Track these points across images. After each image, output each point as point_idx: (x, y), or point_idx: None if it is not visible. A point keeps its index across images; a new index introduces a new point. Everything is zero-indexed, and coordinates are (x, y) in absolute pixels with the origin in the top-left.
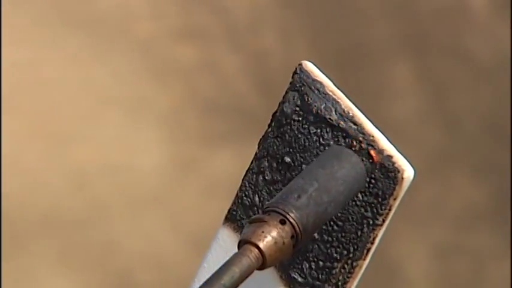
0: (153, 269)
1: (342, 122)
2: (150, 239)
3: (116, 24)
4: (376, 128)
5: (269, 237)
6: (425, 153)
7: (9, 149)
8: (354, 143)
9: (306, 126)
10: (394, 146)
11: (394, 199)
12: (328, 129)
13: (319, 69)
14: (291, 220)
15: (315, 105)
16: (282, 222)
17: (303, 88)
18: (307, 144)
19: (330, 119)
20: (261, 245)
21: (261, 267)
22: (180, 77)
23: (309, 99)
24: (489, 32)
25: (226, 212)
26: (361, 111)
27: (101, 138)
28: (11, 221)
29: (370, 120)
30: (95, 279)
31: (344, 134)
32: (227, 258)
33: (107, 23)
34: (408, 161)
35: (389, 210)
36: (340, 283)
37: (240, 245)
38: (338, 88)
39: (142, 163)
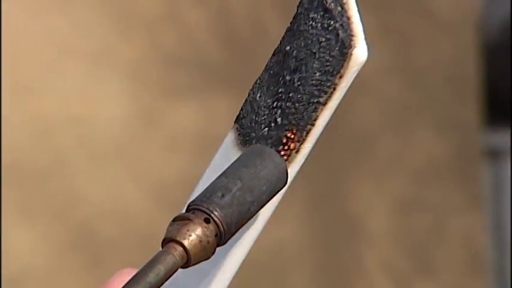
0: (114, 220)
1: (332, 5)
2: (112, 191)
3: None
4: (360, 18)
5: (194, 236)
6: (387, 107)
7: None
8: (331, 22)
9: (306, 12)
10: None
11: (340, 77)
12: (321, 13)
13: None
14: (215, 219)
15: None
16: (207, 221)
17: None
18: (301, 28)
19: (325, 1)
20: (186, 243)
21: (186, 265)
22: (143, 29)
23: None
24: None
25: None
26: (357, 4)
27: (62, 89)
28: None
29: (359, 12)
30: (56, 231)
31: (329, 15)
32: (226, 165)
33: None
34: (368, 47)
35: (334, 89)
36: None
37: (165, 242)
38: None
39: (104, 115)
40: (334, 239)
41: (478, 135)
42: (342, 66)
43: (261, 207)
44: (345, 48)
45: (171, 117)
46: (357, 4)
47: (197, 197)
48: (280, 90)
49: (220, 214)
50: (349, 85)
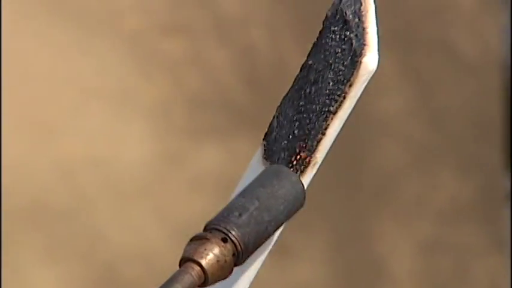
0: (138, 261)
1: (351, 17)
2: (136, 232)
3: (103, 16)
4: (377, 30)
5: (211, 255)
6: (411, 149)
7: None
8: (348, 33)
9: (329, 25)
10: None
11: (350, 85)
12: (341, 25)
13: None
14: (233, 238)
15: (344, 5)
16: (224, 240)
17: None
18: (323, 41)
19: (345, 13)
20: (203, 262)
21: (203, 284)
22: (167, 70)
23: (346, 2)
24: (476, 28)
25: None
26: (377, 18)
27: (87, 130)
28: None
29: (377, 26)
30: (80, 271)
31: (347, 27)
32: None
33: (95, 15)
34: (379, 56)
35: (344, 98)
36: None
37: (182, 262)
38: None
39: (128, 156)
40: (358, 281)
41: (501, 177)
42: (352, 74)
43: (279, 226)
44: (356, 57)
45: (195, 157)
46: (376, 17)
47: (215, 217)
48: (301, 103)
49: (237, 233)
50: (359, 94)
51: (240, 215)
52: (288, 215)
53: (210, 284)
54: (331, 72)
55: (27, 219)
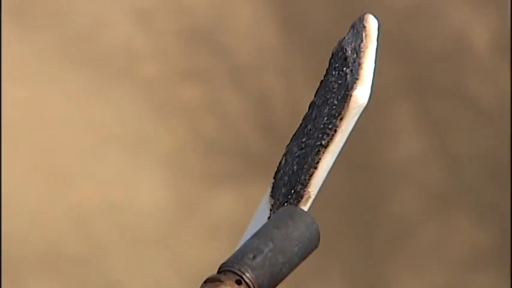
0: None
1: (350, 53)
2: (151, 279)
3: (119, 64)
4: (373, 68)
5: None
6: (427, 195)
7: (10, 186)
8: (345, 68)
9: (332, 62)
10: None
11: (341, 119)
12: (341, 61)
13: (377, 21)
14: (247, 280)
15: (346, 42)
16: (238, 283)
17: (350, 30)
18: (326, 78)
19: (345, 49)
20: None
21: None
22: (182, 117)
23: (346, 37)
24: (490, 74)
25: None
26: (375, 59)
27: (102, 177)
28: (11, 259)
29: (375, 63)
30: None
31: (345, 63)
32: (259, 220)
33: (111, 62)
34: (371, 91)
35: (335, 132)
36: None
37: None
38: (378, 38)
39: (143, 202)
40: None
41: None
42: (343, 108)
43: (293, 268)
44: (347, 91)
45: (210, 204)
46: (376, 54)
47: (229, 258)
48: (303, 139)
49: (251, 275)
50: (350, 128)
51: (255, 256)
52: (303, 257)
53: None
54: (327, 107)
55: (42, 266)
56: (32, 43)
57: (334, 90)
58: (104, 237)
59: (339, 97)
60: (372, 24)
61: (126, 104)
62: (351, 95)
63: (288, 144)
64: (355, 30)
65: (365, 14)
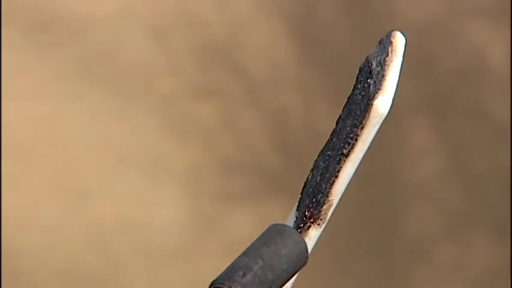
0: None
1: (375, 66)
2: None
3: (135, 81)
4: (397, 81)
5: None
6: (445, 213)
7: (28, 203)
8: (369, 80)
9: (359, 77)
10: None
11: (362, 128)
12: (366, 75)
13: (405, 38)
14: None
15: (373, 56)
16: None
17: (377, 46)
18: (353, 92)
19: (371, 63)
20: None
21: None
22: (199, 134)
23: (373, 52)
24: (508, 92)
25: None
26: (400, 73)
27: (119, 194)
28: (30, 275)
29: (399, 76)
30: None
31: (370, 76)
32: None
33: (127, 79)
34: (392, 102)
35: (356, 140)
36: (308, 217)
37: None
38: (404, 55)
39: (160, 220)
40: None
41: None
42: (364, 117)
43: (282, 285)
44: (369, 101)
45: (227, 222)
46: (401, 70)
47: (219, 276)
48: (328, 153)
49: None
50: (371, 138)
51: (245, 274)
52: (292, 274)
53: None
54: (351, 118)
55: (60, 283)
56: (50, 61)
57: (358, 101)
58: (121, 254)
59: (362, 107)
60: (399, 40)
61: (143, 121)
62: (372, 104)
63: (316, 160)
64: (382, 46)
65: (393, 30)
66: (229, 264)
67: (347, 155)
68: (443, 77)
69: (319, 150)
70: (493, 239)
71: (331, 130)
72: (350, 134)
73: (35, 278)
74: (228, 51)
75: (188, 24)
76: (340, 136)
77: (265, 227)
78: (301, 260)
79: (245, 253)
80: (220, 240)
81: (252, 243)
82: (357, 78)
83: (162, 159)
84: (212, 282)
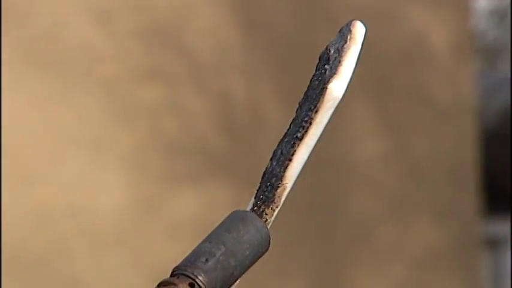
0: None
1: (332, 52)
2: (113, 279)
3: (78, 65)
4: (353, 68)
5: None
6: (386, 195)
7: None
8: (326, 66)
9: (317, 65)
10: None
11: (316, 111)
12: (324, 62)
13: (365, 27)
14: (200, 284)
15: (331, 44)
16: (191, 286)
17: (337, 34)
18: (311, 79)
19: (329, 50)
20: None
21: None
22: (143, 117)
23: (333, 40)
24: (449, 75)
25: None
26: (357, 59)
27: (63, 178)
28: None
29: (356, 63)
30: None
31: (327, 62)
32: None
33: (70, 63)
34: (347, 86)
35: (310, 124)
36: (262, 201)
37: None
38: (363, 42)
39: (105, 203)
40: None
41: (477, 224)
42: (318, 100)
43: (245, 271)
44: (324, 85)
45: (172, 204)
46: (359, 57)
47: (181, 262)
48: (285, 139)
49: (204, 279)
50: (325, 121)
51: (207, 260)
52: (254, 260)
53: None
54: (307, 103)
55: (5, 267)
56: None
57: (315, 87)
58: (65, 238)
59: (317, 92)
60: (358, 29)
61: (87, 105)
62: (326, 88)
63: (275, 149)
64: (342, 34)
65: (353, 20)
66: (191, 251)
67: (301, 138)
68: (384, 60)
69: (279, 139)
70: (433, 221)
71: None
72: (305, 117)
73: None
74: (173, 35)
75: (132, 7)
76: (296, 121)
77: (210, 209)
78: (263, 246)
79: (207, 239)
80: (165, 222)
81: (214, 230)
82: (316, 66)
83: (106, 143)
84: (174, 268)
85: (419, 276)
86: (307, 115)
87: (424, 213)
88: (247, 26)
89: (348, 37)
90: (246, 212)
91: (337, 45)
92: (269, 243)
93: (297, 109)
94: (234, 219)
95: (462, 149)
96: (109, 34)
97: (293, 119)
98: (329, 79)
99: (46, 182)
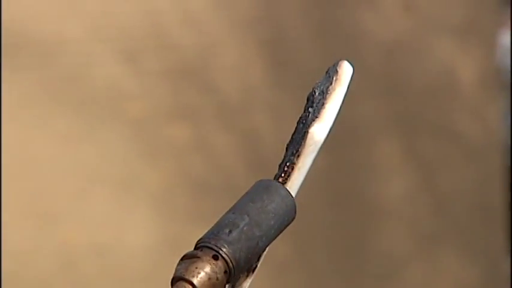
0: None
1: (317, 94)
2: None
3: (106, 104)
4: (337, 110)
5: (202, 273)
6: (414, 233)
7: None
8: (310, 109)
9: (306, 105)
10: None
11: (298, 156)
12: (309, 103)
13: (352, 67)
14: (224, 255)
15: (317, 85)
16: (215, 258)
17: (324, 75)
18: (297, 122)
19: (314, 92)
20: (195, 281)
21: None
22: (170, 156)
23: (319, 81)
24: (477, 110)
25: None
26: (341, 105)
27: (90, 217)
28: None
29: (340, 108)
30: None
31: (310, 104)
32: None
33: (98, 102)
34: (329, 130)
35: (292, 169)
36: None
37: (174, 281)
38: (349, 85)
39: (131, 242)
40: None
41: (504, 261)
42: (300, 145)
43: (270, 241)
44: (306, 128)
45: None
46: (344, 98)
47: (205, 234)
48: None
49: (228, 250)
50: (307, 165)
51: (231, 231)
52: (279, 229)
53: None
54: (291, 147)
55: None
56: (19, 84)
57: (299, 130)
58: (91, 277)
59: (300, 135)
60: (345, 69)
61: (114, 144)
62: (307, 132)
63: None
64: (328, 75)
65: (340, 60)
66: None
67: (283, 183)
68: (412, 96)
69: None
70: (463, 258)
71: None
72: (287, 162)
73: None
74: (200, 74)
75: (159, 47)
76: (281, 165)
77: None
78: (289, 215)
79: (231, 210)
80: None
81: (238, 200)
82: (304, 107)
83: (133, 182)
84: (198, 241)
85: None
86: (289, 159)
87: (452, 250)
88: (273, 63)
89: (334, 78)
90: (271, 180)
91: (322, 87)
92: (295, 212)
93: (285, 152)
94: (258, 189)
95: (490, 185)
96: (136, 74)
97: (280, 163)
98: (311, 122)
99: (71, 221)
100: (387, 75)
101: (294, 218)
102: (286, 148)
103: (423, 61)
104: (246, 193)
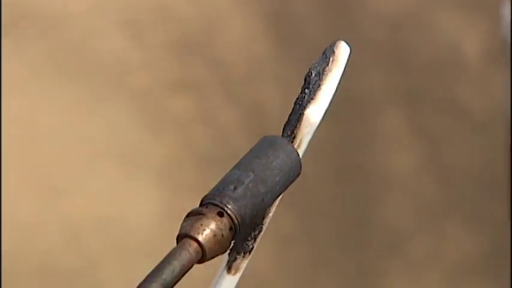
0: None
1: (313, 75)
2: None
3: (110, 76)
4: (334, 92)
5: (208, 230)
6: (420, 205)
7: (3, 200)
8: (306, 90)
9: (302, 86)
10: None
11: (294, 138)
12: (305, 85)
13: (349, 48)
14: (229, 212)
15: (313, 66)
16: (220, 215)
17: (321, 55)
18: (294, 102)
19: (311, 73)
20: (200, 238)
21: (201, 260)
22: (175, 129)
23: (316, 61)
24: (483, 85)
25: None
26: (337, 86)
27: (94, 190)
28: (5, 272)
29: (336, 89)
30: None
31: (306, 86)
32: None
33: (102, 74)
34: (325, 112)
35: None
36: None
37: (179, 238)
38: (346, 66)
39: (136, 215)
40: None
41: (509, 231)
42: (295, 127)
43: (276, 198)
44: (302, 110)
45: None
46: (340, 80)
47: (210, 191)
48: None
49: (233, 207)
50: (303, 147)
51: (236, 188)
52: (285, 186)
53: (208, 260)
54: (287, 128)
55: (35, 279)
56: (22, 57)
57: (295, 111)
58: (96, 250)
59: (296, 117)
60: (342, 50)
61: (118, 116)
62: (303, 114)
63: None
64: (325, 55)
65: (337, 40)
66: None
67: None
68: (417, 69)
69: None
70: (469, 230)
71: None
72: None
73: (10, 274)
74: (204, 46)
75: (163, 19)
76: None
77: None
78: (294, 171)
79: (236, 167)
80: None
81: (243, 157)
82: (301, 88)
83: (138, 154)
84: (203, 198)
85: (453, 283)
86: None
87: (458, 222)
88: (279, 36)
89: (331, 59)
90: (276, 136)
91: (318, 67)
92: (300, 168)
93: (281, 133)
94: (263, 145)
95: (495, 157)
96: (140, 46)
97: None
98: (307, 104)
99: (77, 194)
100: (392, 50)
101: (299, 174)
102: (283, 129)
103: (429, 34)
104: (251, 149)
